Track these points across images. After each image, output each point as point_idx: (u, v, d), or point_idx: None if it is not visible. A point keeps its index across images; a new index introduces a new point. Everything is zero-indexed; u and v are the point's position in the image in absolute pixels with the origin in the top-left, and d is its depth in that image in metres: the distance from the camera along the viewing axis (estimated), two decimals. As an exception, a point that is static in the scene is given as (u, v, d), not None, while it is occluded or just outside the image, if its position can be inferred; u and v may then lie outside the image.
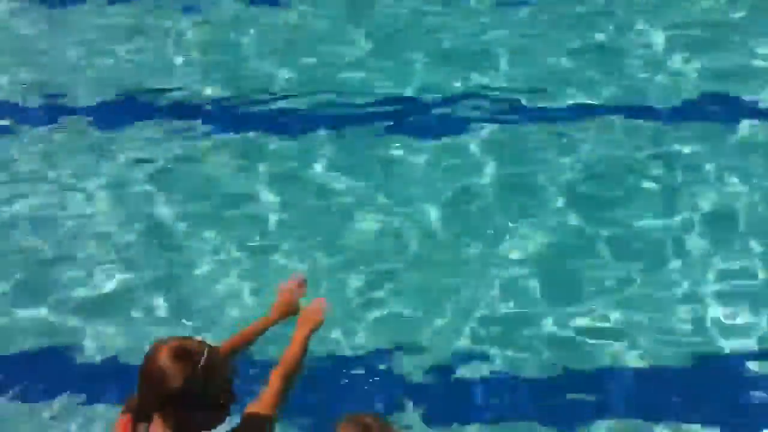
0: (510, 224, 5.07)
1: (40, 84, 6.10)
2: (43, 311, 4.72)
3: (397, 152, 5.54)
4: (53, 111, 5.91)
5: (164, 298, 4.75)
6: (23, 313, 4.72)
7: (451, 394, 4.33)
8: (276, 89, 6.01)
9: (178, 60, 6.25)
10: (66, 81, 6.11)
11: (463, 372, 4.38)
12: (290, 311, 3.40)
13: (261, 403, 2.83)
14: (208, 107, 5.93)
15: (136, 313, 4.69)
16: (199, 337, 2.68)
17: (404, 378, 4.35)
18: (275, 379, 2.93)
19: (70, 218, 5.22)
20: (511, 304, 4.67)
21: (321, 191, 5.33)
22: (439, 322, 4.60)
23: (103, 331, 4.60)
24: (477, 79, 5.99)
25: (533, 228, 5.04)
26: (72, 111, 5.92)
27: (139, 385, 2.59)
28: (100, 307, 4.73)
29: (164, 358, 2.53)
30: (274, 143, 5.64)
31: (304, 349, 3.11)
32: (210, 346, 2.61)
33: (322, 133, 5.67)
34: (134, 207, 5.28)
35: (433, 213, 5.17)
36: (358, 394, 4.26)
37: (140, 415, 2.64)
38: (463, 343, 4.50)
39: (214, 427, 2.71)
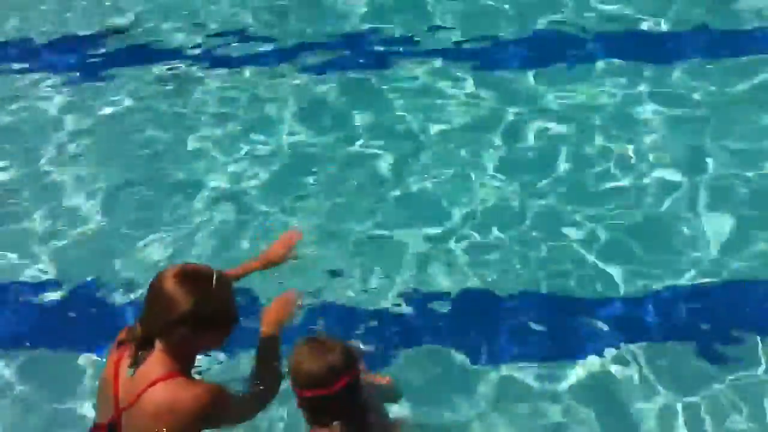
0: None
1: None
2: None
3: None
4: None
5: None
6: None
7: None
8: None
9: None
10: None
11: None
12: (276, 262, 3.40)
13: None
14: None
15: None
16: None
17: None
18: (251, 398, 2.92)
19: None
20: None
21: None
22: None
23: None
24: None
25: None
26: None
27: (144, 312, 2.65)
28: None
29: (172, 283, 2.61)
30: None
31: (277, 352, 3.00)
32: (218, 271, 2.68)
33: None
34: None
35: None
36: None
37: (143, 342, 2.68)
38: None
39: (212, 349, 2.83)
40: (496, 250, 4.56)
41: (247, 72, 5.96)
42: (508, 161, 5.13)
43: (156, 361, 2.71)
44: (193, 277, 2.67)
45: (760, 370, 3.88)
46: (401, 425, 3.09)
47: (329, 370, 2.69)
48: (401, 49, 6.06)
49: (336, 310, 4.25)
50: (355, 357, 2.78)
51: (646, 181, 4.90)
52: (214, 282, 2.68)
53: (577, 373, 3.94)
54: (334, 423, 2.73)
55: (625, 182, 4.92)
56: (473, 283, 4.40)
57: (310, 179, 5.07)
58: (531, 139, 5.29)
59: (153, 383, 2.67)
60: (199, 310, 2.63)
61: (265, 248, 3.57)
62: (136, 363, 2.73)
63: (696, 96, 5.47)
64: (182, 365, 2.74)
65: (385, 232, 4.71)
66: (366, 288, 4.38)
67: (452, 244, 4.62)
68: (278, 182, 5.08)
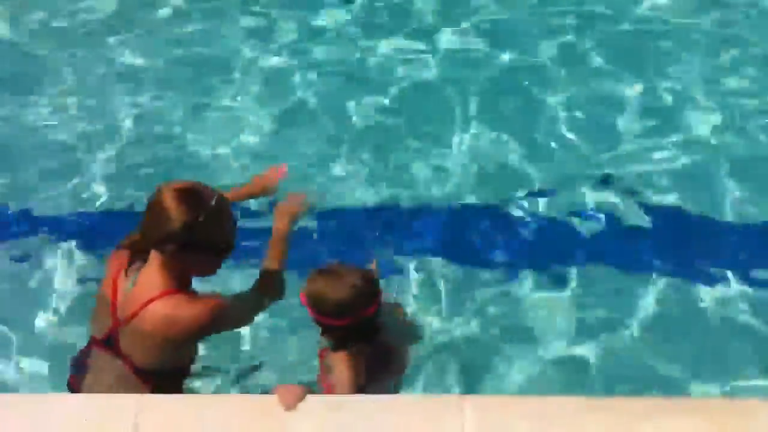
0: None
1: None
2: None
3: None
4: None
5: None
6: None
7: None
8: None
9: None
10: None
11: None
12: (264, 192, 3.33)
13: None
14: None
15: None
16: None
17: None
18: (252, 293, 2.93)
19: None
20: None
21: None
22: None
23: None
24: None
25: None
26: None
27: (143, 222, 2.65)
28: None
29: (171, 198, 2.59)
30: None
31: (285, 249, 3.00)
32: (219, 195, 2.67)
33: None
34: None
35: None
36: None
37: (140, 251, 2.71)
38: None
39: (206, 275, 2.80)
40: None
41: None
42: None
43: (153, 276, 2.69)
44: (192, 196, 2.63)
45: None
46: (411, 337, 3.06)
47: (358, 297, 2.74)
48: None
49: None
50: (376, 281, 2.83)
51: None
52: (212, 206, 2.63)
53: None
54: (356, 346, 2.78)
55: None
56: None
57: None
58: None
59: (151, 300, 2.67)
60: (190, 231, 2.60)
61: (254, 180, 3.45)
62: (134, 273, 2.73)
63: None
64: (179, 282, 2.72)
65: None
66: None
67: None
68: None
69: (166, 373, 2.79)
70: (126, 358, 2.76)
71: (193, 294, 2.76)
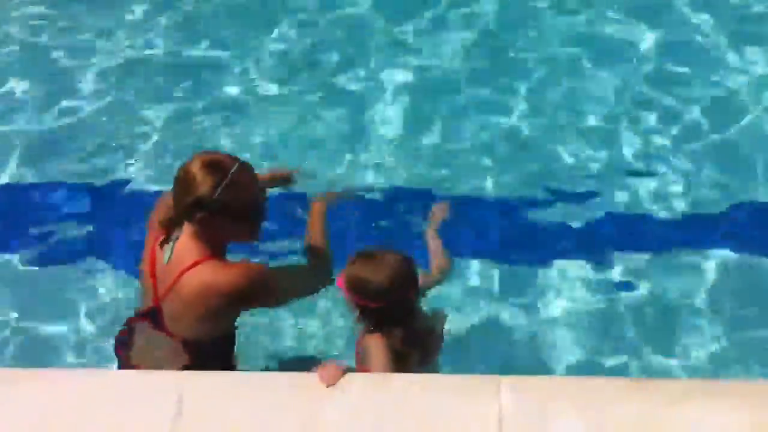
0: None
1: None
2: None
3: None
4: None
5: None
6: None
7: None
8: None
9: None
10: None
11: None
12: (279, 182, 3.32)
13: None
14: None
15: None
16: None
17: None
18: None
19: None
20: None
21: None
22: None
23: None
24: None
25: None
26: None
27: (172, 193, 2.75)
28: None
29: (197, 167, 2.68)
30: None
31: (325, 226, 3.04)
32: (243, 162, 2.75)
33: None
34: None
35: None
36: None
37: (173, 222, 2.78)
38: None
39: (241, 241, 2.88)
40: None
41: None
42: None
43: (188, 246, 2.75)
44: (214, 164, 2.70)
45: None
46: (442, 318, 3.10)
47: (399, 279, 2.76)
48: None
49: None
50: (414, 263, 2.83)
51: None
52: (234, 172, 2.70)
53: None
54: (392, 329, 2.80)
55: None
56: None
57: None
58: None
59: (187, 269, 2.72)
60: (215, 194, 2.66)
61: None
62: (169, 245, 2.77)
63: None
64: (213, 249, 2.76)
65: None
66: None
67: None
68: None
69: (210, 344, 2.83)
70: (169, 330, 2.80)
71: (227, 261, 2.80)
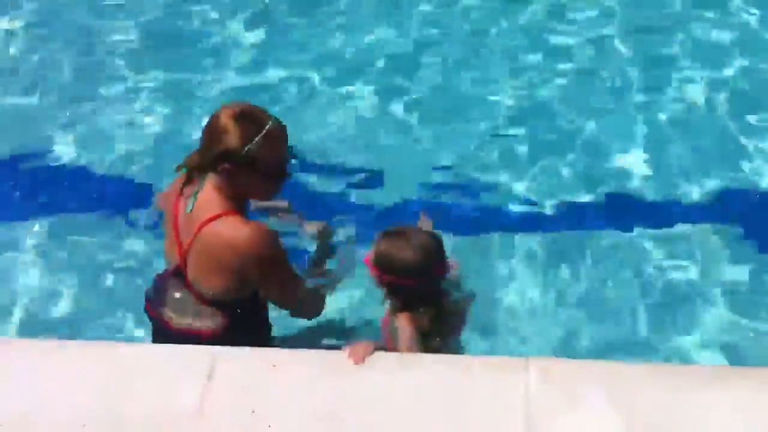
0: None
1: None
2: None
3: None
4: None
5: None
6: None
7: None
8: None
9: None
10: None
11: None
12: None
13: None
14: None
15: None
16: None
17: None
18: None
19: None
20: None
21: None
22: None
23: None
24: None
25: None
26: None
27: (201, 140, 2.72)
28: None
29: (227, 117, 2.66)
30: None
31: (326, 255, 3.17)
32: (276, 120, 2.71)
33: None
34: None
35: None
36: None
37: (196, 171, 2.76)
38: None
39: (261, 199, 2.91)
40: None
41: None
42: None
43: (210, 197, 2.73)
44: (248, 116, 2.67)
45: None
46: (468, 299, 3.11)
47: (430, 255, 2.78)
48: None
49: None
50: (442, 241, 2.84)
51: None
52: (269, 127, 2.67)
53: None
54: (422, 308, 2.81)
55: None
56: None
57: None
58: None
59: (209, 220, 2.71)
60: (246, 148, 2.63)
61: None
62: (192, 196, 2.76)
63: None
64: (236, 204, 2.76)
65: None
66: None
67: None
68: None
69: (233, 307, 2.83)
70: (193, 287, 2.81)
71: (249, 219, 2.79)
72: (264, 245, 2.71)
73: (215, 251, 2.71)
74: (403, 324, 2.80)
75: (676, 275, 3.90)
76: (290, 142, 2.81)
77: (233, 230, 2.69)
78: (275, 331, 3.16)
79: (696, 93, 4.76)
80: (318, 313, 3.09)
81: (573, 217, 4.19)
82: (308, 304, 3.05)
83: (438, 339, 2.85)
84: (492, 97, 4.81)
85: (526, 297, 3.83)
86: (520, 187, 4.34)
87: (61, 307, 3.91)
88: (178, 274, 2.85)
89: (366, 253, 2.87)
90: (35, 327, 3.80)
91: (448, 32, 5.25)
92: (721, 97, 4.73)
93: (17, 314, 3.88)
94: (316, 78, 5.00)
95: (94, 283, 3.99)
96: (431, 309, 2.82)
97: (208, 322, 2.82)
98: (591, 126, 4.63)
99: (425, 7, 5.41)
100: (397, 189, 4.33)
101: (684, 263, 3.94)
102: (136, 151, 4.63)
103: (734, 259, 3.94)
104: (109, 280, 4.00)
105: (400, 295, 2.83)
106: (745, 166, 4.38)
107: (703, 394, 2.46)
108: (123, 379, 2.59)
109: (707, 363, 3.52)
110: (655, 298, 3.82)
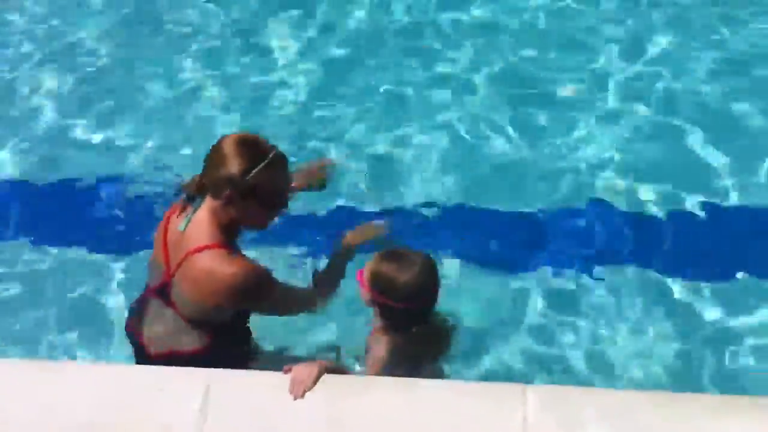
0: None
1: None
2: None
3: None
4: None
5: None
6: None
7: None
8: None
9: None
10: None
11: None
12: (308, 182, 3.33)
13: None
14: None
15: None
16: None
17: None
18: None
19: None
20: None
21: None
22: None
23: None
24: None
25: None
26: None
27: (203, 166, 2.73)
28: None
29: (231, 144, 2.68)
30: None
31: (345, 263, 3.06)
32: (279, 151, 2.73)
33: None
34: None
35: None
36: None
37: (195, 191, 2.76)
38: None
39: (256, 228, 2.85)
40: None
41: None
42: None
43: (204, 223, 2.73)
44: (251, 144, 2.70)
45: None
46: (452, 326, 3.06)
47: (426, 282, 2.76)
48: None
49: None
50: (437, 267, 2.82)
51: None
52: (270, 156, 2.69)
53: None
54: (407, 331, 2.79)
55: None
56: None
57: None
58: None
59: (197, 250, 2.71)
60: (247, 176, 2.65)
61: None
62: (187, 215, 2.76)
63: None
64: (226, 235, 2.75)
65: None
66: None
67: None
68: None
69: (215, 328, 2.82)
70: (175, 306, 2.80)
71: (236, 255, 2.77)
72: (248, 283, 2.72)
73: (198, 283, 2.72)
74: (380, 346, 2.79)
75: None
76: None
77: (218, 265, 2.69)
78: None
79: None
80: (323, 308, 3.06)
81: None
82: (309, 302, 3.03)
83: (423, 362, 2.83)
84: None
85: (522, 325, 3.81)
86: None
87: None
88: (161, 292, 2.84)
89: (359, 270, 2.83)
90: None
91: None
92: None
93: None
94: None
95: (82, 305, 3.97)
96: (415, 332, 2.79)
97: (189, 340, 2.82)
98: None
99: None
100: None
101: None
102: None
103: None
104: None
105: (389, 317, 2.80)
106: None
107: (706, 422, 2.43)
108: (118, 399, 2.57)
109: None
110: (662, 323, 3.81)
